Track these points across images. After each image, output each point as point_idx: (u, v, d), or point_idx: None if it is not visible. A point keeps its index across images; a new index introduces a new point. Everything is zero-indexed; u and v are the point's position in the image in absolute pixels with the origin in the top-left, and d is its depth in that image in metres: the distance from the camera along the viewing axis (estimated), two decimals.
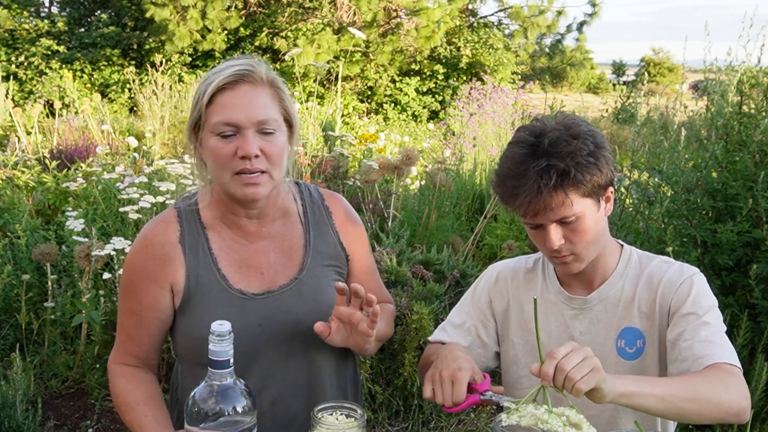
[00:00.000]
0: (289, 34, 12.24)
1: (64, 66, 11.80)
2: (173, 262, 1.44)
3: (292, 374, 1.49)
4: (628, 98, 12.08)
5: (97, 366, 3.12)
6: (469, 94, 8.38)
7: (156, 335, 1.48)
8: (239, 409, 1.13)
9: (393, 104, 12.73)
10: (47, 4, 14.13)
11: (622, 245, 1.55)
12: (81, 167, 4.42)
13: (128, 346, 1.49)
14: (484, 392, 1.32)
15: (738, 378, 1.31)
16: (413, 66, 12.86)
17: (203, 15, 11.55)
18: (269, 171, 1.39)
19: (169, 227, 1.47)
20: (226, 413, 1.12)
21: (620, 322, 1.48)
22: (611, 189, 1.44)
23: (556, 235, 1.39)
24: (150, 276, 1.44)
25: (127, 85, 11.47)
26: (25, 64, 11.88)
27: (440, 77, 12.84)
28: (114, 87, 11.99)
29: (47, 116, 8.55)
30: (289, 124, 1.45)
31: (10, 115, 7.03)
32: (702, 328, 1.37)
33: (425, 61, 12.84)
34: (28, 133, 6.74)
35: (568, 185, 1.34)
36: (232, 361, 1.13)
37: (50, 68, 11.69)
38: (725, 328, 1.42)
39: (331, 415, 1.24)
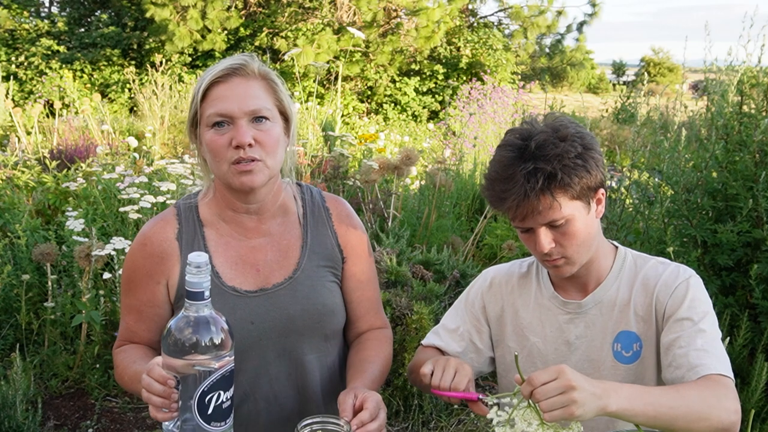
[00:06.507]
0: (289, 34, 12.23)
1: (64, 66, 11.79)
2: (170, 258, 1.47)
3: (285, 373, 1.50)
4: (628, 98, 12.09)
5: (97, 366, 3.12)
6: (469, 94, 8.39)
7: (155, 329, 1.50)
8: (216, 341, 1.11)
9: (393, 104, 12.72)
10: (47, 4, 14.12)
11: (616, 247, 1.54)
12: (81, 167, 4.42)
13: (128, 336, 1.53)
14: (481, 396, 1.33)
15: (731, 391, 1.30)
16: (413, 66, 12.86)
17: (203, 15, 11.54)
18: (264, 159, 1.40)
19: (168, 225, 1.50)
20: (203, 344, 1.10)
21: (616, 326, 1.47)
22: (602, 191, 1.42)
23: (545, 238, 1.38)
24: (148, 273, 1.47)
25: (127, 85, 11.47)
26: (25, 64, 11.87)
27: (440, 77, 12.84)
28: (114, 87, 11.97)
29: (47, 116, 8.55)
30: (285, 117, 1.46)
31: (10, 115, 7.03)
32: (698, 335, 1.36)
33: (425, 61, 12.84)
34: (28, 133, 6.74)
35: (556, 188, 1.33)
36: (208, 293, 1.12)
37: (50, 68, 11.68)
38: (720, 335, 1.41)
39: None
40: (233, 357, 1.15)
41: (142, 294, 1.48)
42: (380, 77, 12.50)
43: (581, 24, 14.52)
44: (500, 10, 14.11)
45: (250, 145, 1.37)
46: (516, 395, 1.19)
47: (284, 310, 1.47)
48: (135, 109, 10.89)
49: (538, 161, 1.33)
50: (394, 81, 12.72)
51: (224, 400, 1.14)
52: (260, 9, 12.87)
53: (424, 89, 12.81)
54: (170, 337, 1.11)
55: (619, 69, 32.46)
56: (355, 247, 1.58)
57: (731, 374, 1.33)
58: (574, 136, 1.36)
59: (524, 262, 1.63)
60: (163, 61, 10.39)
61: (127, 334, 1.53)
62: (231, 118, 1.38)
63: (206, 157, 1.45)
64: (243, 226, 1.50)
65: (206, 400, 1.12)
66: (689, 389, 1.29)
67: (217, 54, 12.18)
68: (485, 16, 14.59)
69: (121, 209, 3.47)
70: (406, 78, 12.75)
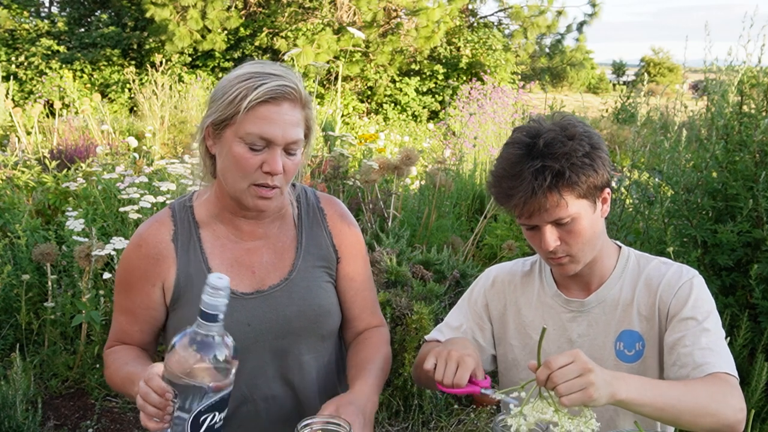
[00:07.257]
0: (289, 34, 12.23)
1: (64, 66, 11.79)
2: (165, 260, 1.46)
3: (282, 374, 1.50)
4: (628, 98, 12.09)
5: (97, 366, 3.12)
6: (469, 94, 8.38)
7: (148, 331, 1.50)
8: (221, 365, 1.10)
9: (393, 104, 12.73)
10: (47, 4, 14.12)
11: (620, 246, 1.54)
12: (81, 167, 4.42)
13: (120, 337, 1.52)
14: (485, 388, 1.32)
15: (736, 389, 1.31)
16: (413, 66, 12.86)
17: (203, 15, 11.55)
18: (282, 186, 1.41)
19: (163, 226, 1.49)
20: (207, 362, 1.09)
21: (619, 325, 1.48)
22: (608, 190, 1.43)
23: (551, 236, 1.38)
24: (143, 275, 1.46)
25: (127, 85, 11.47)
26: (25, 64, 11.87)
27: (440, 77, 12.84)
28: (114, 87, 11.98)
29: (47, 116, 8.56)
30: (307, 136, 1.46)
31: (10, 115, 7.03)
32: (702, 334, 1.36)
33: (425, 61, 12.84)
34: (28, 133, 6.75)
35: (563, 186, 1.33)
36: (222, 316, 1.10)
37: (50, 68, 11.68)
38: (724, 334, 1.42)
39: None
40: (233, 380, 1.14)
41: (137, 296, 1.47)
42: (380, 77, 12.50)
43: (581, 24, 14.53)
44: (500, 10, 14.13)
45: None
46: (524, 387, 1.19)
47: (280, 311, 1.47)
48: (135, 109, 10.89)
49: (546, 159, 1.33)
50: (394, 81, 12.72)
51: (218, 420, 1.13)
52: (260, 9, 12.87)
53: (424, 89, 12.82)
54: (174, 353, 1.10)
55: (619, 69, 32.48)
56: (349, 246, 1.59)
57: (736, 373, 1.34)
58: (582, 135, 1.37)
59: (527, 261, 1.63)
60: (163, 61, 10.39)
61: (119, 335, 1.52)
62: (270, 144, 1.37)
63: (221, 161, 1.42)
64: (239, 229, 1.50)
65: (200, 420, 1.11)
66: (696, 384, 1.29)
67: (217, 54, 12.18)
68: (485, 16, 14.60)
69: (121, 209, 3.47)
70: (406, 78, 12.75)
